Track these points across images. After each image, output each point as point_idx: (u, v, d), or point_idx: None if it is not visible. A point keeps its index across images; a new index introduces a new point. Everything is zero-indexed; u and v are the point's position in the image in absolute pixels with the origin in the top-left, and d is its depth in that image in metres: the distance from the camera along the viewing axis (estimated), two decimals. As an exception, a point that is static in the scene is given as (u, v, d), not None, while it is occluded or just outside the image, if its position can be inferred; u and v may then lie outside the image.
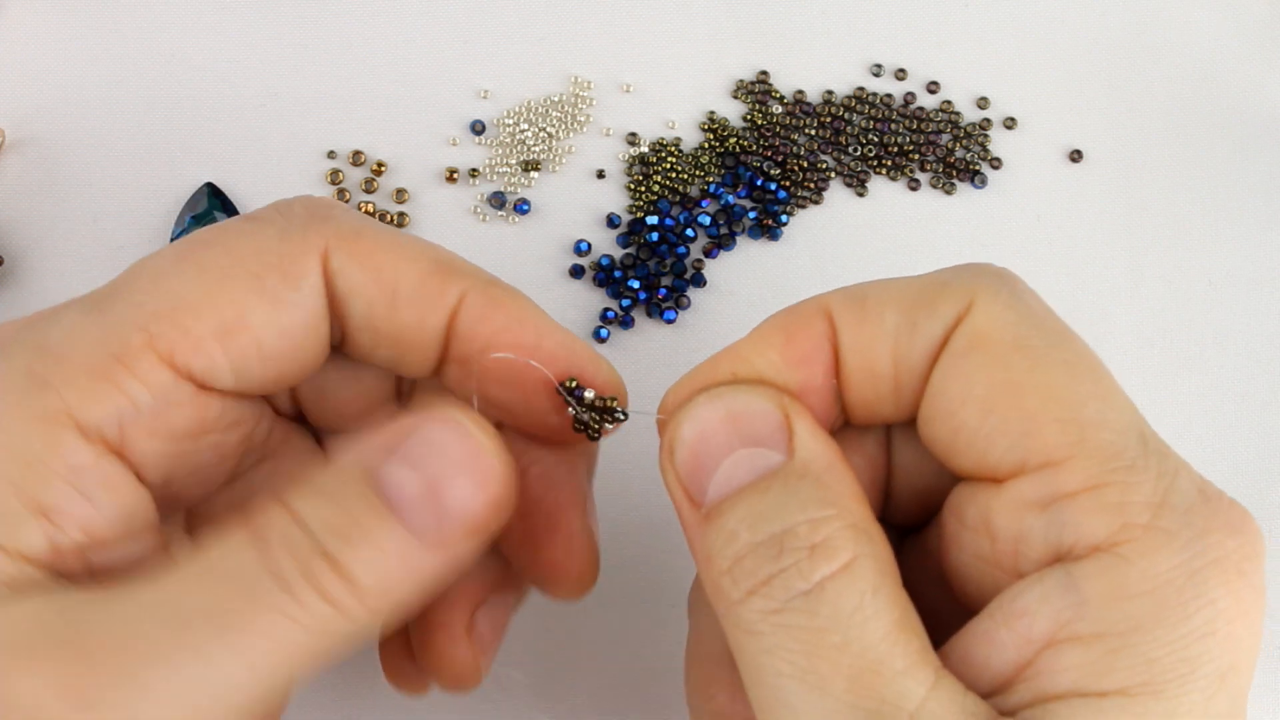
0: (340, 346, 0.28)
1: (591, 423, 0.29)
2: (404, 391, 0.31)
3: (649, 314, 0.44)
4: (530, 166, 0.45)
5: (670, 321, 0.44)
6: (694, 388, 0.28)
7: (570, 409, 0.28)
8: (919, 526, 0.31)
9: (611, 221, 0.45)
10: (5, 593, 0.23)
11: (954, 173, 0.46)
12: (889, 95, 0.47)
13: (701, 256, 0.45)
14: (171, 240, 0.43)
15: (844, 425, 0.30)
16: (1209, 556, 0.24)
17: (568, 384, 0.28)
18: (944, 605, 0.29)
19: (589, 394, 0.28)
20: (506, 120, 0.46)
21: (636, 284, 0.44)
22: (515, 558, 0.30)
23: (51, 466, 0.23)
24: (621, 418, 0.29)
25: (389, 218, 0.44)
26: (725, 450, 0.27)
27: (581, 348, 0.29)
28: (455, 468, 0.25)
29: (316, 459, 0.31)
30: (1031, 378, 0.26)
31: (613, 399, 0.29)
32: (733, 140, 0.46)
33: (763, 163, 0.46)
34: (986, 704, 0.24)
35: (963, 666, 0.25)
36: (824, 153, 0.46)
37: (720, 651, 0.29)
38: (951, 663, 0.25)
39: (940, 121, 0.47)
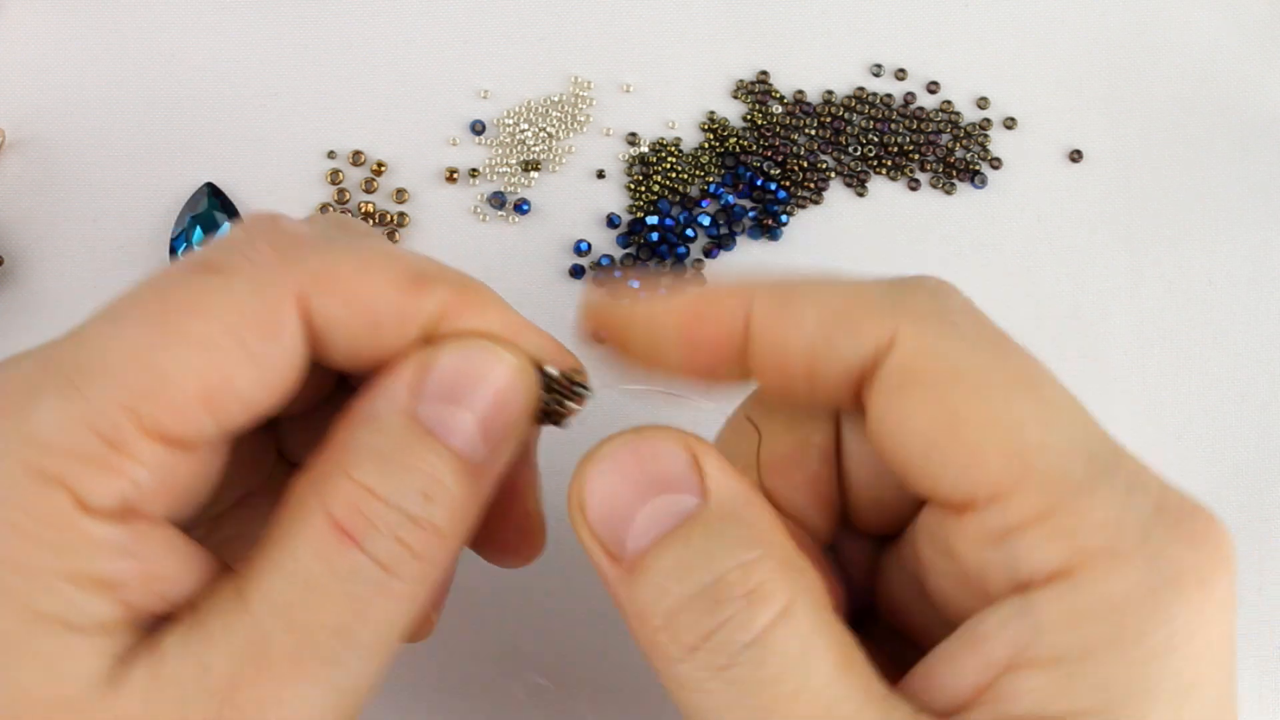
0: (316, 359, 0.27)
1: (552, 405, 0.28)
2: None
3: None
4: (530, 166, 0.45)
5: (670, 321, 0.44)
6: (595, 314, 0.29)
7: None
8: (894, 534, 0.31)
9: (611, 221, 0.45)
10: (121, 668, 0.23)
11: (954, 173, 0.46)
12: (889, 95, 0.47)
13: (701, 256, 0.45)
14: (171, 239, 0.43)
15: (784, 429, 0.30)
16: (1166, 574, 0.24)
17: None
18: (927, 612, 0.29)
19: (552, 371, 0.28)
20: (506, 120, 0.46)
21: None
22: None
23: (82, 547, 0.23)
24: (585, 391, 0.28)
25: (389, 218, 0.44)
26: (638, 498, 0.26)
27: (557, 345, 0.28)
28: (502, 397, 0.26)
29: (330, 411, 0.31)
30: (968, 408, 0.25)
31: (577, 370, 0.28)
32: (733, 140, 0.46)
33: (763, 163, 0.46)
34: None
35: (926, 686, 0.25)
36: (824, 153, 0.46)
37: None
38: (916, 682, 0.25)
39: (940, 121, 0.47)
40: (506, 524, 0.30)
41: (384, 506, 0.25)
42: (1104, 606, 0.23)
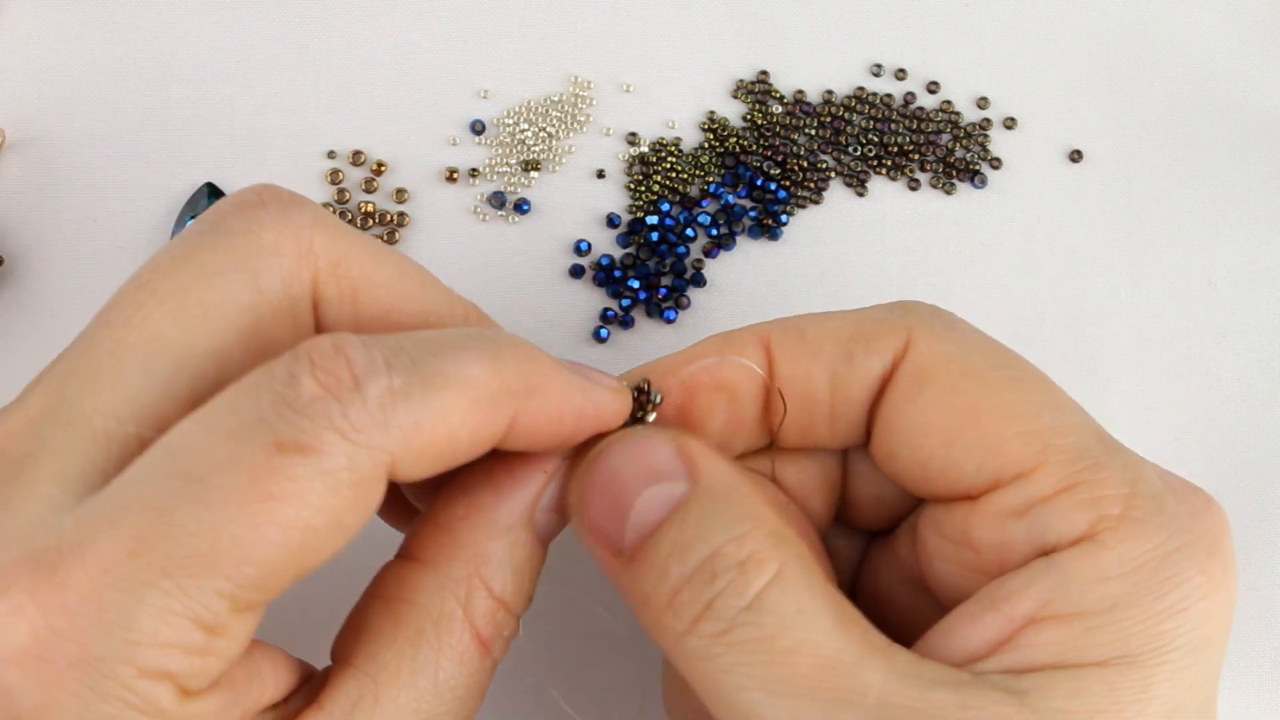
0: None
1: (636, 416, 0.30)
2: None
3: (649, 314, 0.44)
4: (530, 166, 0.45)
5: (670, 321, 0.44)
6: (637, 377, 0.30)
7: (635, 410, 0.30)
8: (885, 530, 0.32)
9: (611, 221, 0.45)
10: None
11: (954, 173, 0.46)
12: (889, 95, 0.47)
13: (701, 256, 0.45)
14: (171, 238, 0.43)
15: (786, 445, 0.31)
16: (1180, 540, 0.26)
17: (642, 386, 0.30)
18: (917, 605, 0.30)
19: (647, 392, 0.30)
20: (506, 120, 0.46)
21: (636, 284, 0.44)
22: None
23: None
24: (657, 400, 0.30)
25: (389, 218, 0.44)
26: (632, 492, 0.27)
27: (610, 398, 0.29)
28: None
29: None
30: (985, 399, 0.28)
31: (645, 380, 0.30)
32: (733, 140, 0.46)
33: (763, 163, 0.46)
34: (949, 667, 0.26)
35: (944, 643, 0.27)
36: (824, 153, 0.46)
37: None
38: (933, 639, 0.27)
39: (940, 121, 0.47)
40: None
41: (508, 616, 0.27)
42: (1126, 566, 0.26)
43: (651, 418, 0.30)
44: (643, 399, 0.30)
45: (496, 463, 0.28)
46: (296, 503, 0.22)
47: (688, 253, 0.45)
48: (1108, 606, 0.25)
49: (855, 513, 0.32)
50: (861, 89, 0.47)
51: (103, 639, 0.22)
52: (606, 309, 0.44)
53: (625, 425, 0.29)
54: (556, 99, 0.46)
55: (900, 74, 0.48)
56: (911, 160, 0.46)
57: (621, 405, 0.29)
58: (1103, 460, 0.27)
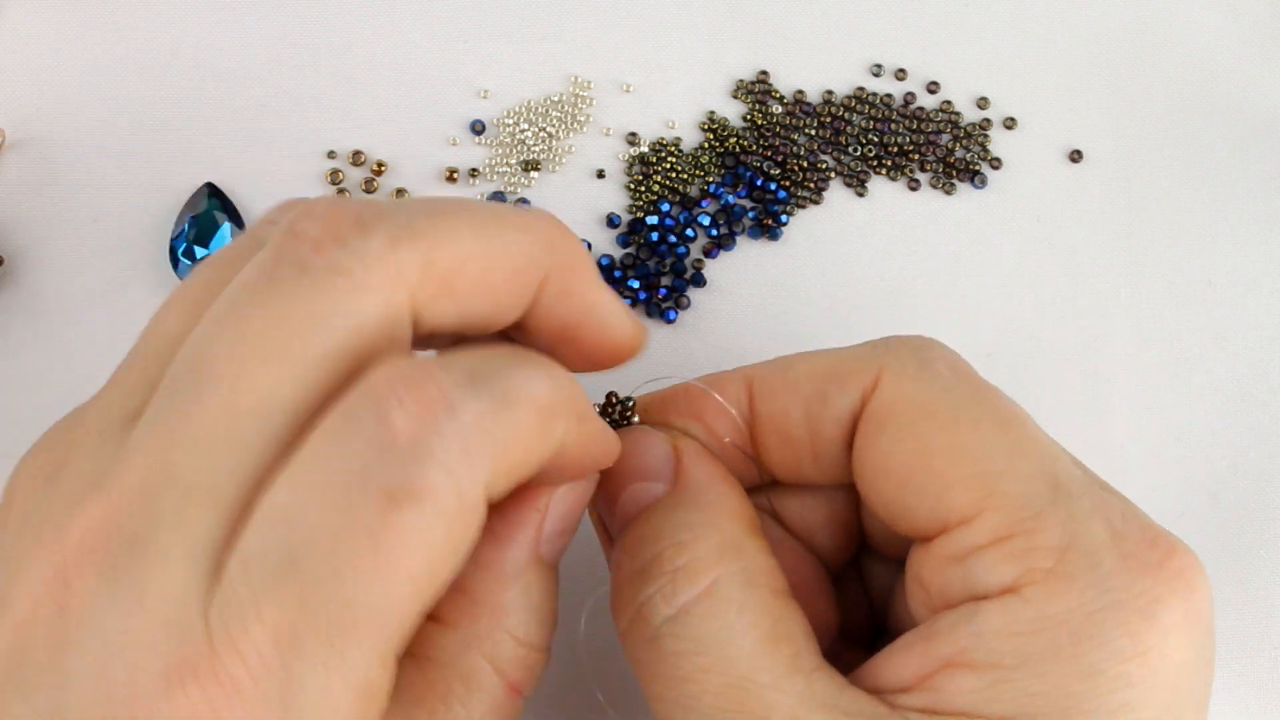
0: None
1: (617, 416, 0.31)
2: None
3: (649, 314, 0.44)
4: (530, 166, 0.45)
5: (670, 321, 0.44)
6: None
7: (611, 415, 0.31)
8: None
9: (611, 221, 0.45)
10: None
11: (954, 173, 0.46)
12: (889, 95, 0.47)
13: (701, 256, 0.45)
14: (171, 239, 0.43)
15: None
16: (1109, 598, 0.25)
17: (619, 398, 0.31)
18: None
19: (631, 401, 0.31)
20: (506, 120, 0.46)
21: (636, 284, 0.44)
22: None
23: None
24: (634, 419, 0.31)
25: (389, 218, 0.44)
26: (622, 484, 0.29)
27: (612, 439, 0.29)
28: (578, 516, 0.28)
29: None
30: (939, 441, 0.27)
31: (629, 400, 0.31)
32: (733, 140, 0.46)
33: (763, 163, 0.46)
34: (871, 698, 0.26)
35: (880, 669, 0.27)
36: (824, 153, 0.46)
37: None
38: (874, 664, 0.27)
39: (940, 121, 0.47)
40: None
41: (535, 653, 0.27)
42: (1043, 623, 0.25)
43: (635, 419, 0.31)
44: (620, 407, 0.31)
45: (490, 515, 0.27)
46: (420, 554, 0.22)
47: (688, 253, 0.45)
48: (1016, 662, 0.25)
49: (876, 543, 0.32)
50: (861, 89, 0.47)
51: None
52: (606, 309, 0.44)
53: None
54: (556, 99, 0.46)
55: (900, 74, 0.48)
56: (911, 160, 0.46)
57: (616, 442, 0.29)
58: (1044, 511, 0.26)
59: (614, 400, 0.31)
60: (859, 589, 0.33)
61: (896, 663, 0.26)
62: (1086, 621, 0.25)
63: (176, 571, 0.21)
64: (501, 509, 0.27)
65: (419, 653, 0.26)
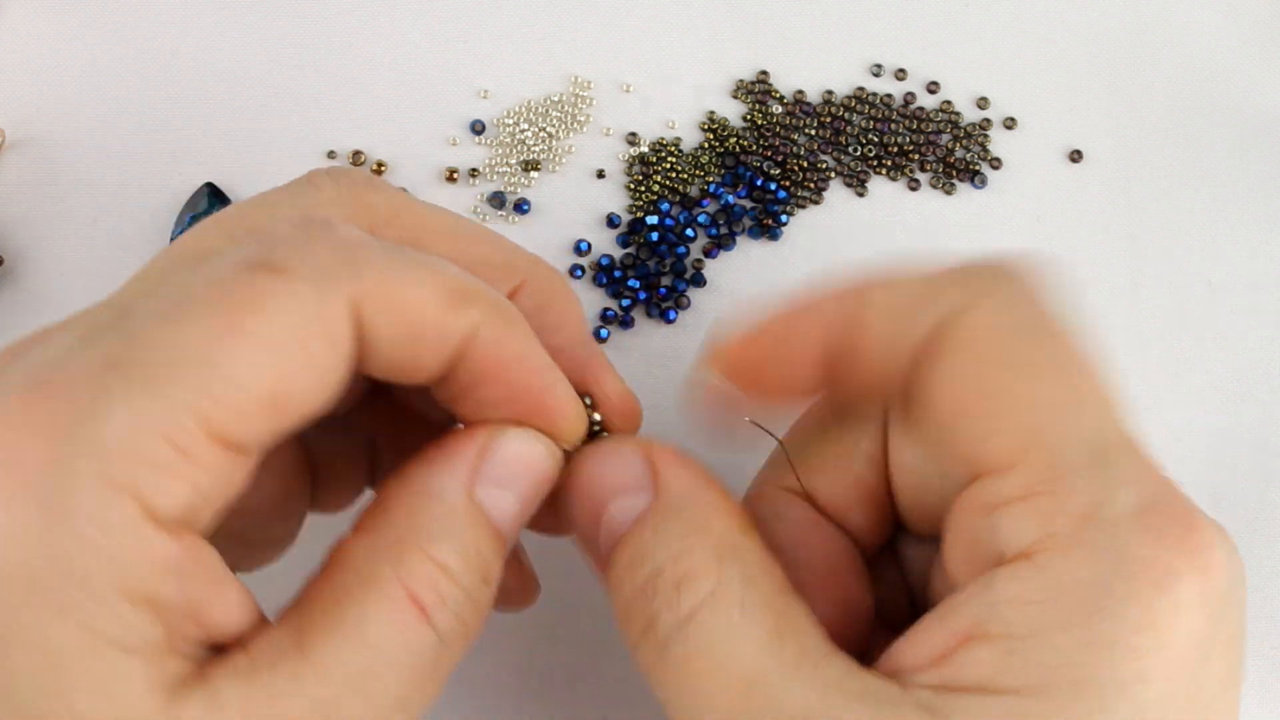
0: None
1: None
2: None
3: (649, 314, 0.44)
4: (530, 166, 0.45)
5: (670, 321, 0.44)
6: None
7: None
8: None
9: (611, 221, 0.45)
10: (173, 702, 0.23)
11: (954, 173, 0.46)
12: (889, 95, 0.47)
13: (701, 256, 0.45)
14: (171, 239, 0.43)
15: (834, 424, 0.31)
16: (1125, 570, 0.24)
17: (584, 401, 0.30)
18: None
19: (596, 418, 0.30)
20: (506, 120, 0.46)
21: (636, 284, 0.44)
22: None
23: (142, 563, 0.23)
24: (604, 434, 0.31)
25: (389, 218, 0.44)
26: (604, 501, 0.28)
27: (566, 389, 0.29)
28: (541, 483, 0.28)
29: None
30: (999, 381, 0.26)
31: (602, 432, 0.31)
32: (733, 140, 0.46)
33: (763, 163, 0.46)
34: (885, 679, 0.25)
35: (901, 651, 0.26)
36: (824, 153, 0.46)
37: None
38: (898, 647, 0.26)
39: (940, 121, 0.47)
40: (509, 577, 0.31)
41: (453, 585, 0.26)
42: (1056, 591, 0.24)
43: (604, 434, 0.30)
44: (589, 420, 0.30)
45: (429, 444, 0.28)
46: (263, 317, 0.23)
47: (688, 253, 0.45)
48: (1028, 632, 0.24)
49: (909, 520, 0.32)
50: (861, 89, 0.47)
51: (69, 444, 0.22)
52: (606, 309, 0.44)
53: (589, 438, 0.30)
54: (556, 99, 0.46)
55: (900, 74, 0.48)
56: (911, 160, 0.46)
57: (572, 406, 0.29)
58: (1078, 473, 0.25)
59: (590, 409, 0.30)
60: (896, 573, 0.33)
61: (917, 641, 0.26)
62: (1099, 591, 0.24)
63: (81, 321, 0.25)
64: (441, 440, 0.28)
65: (329, 563, 0.26)
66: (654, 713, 0.39)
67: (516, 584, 0.32)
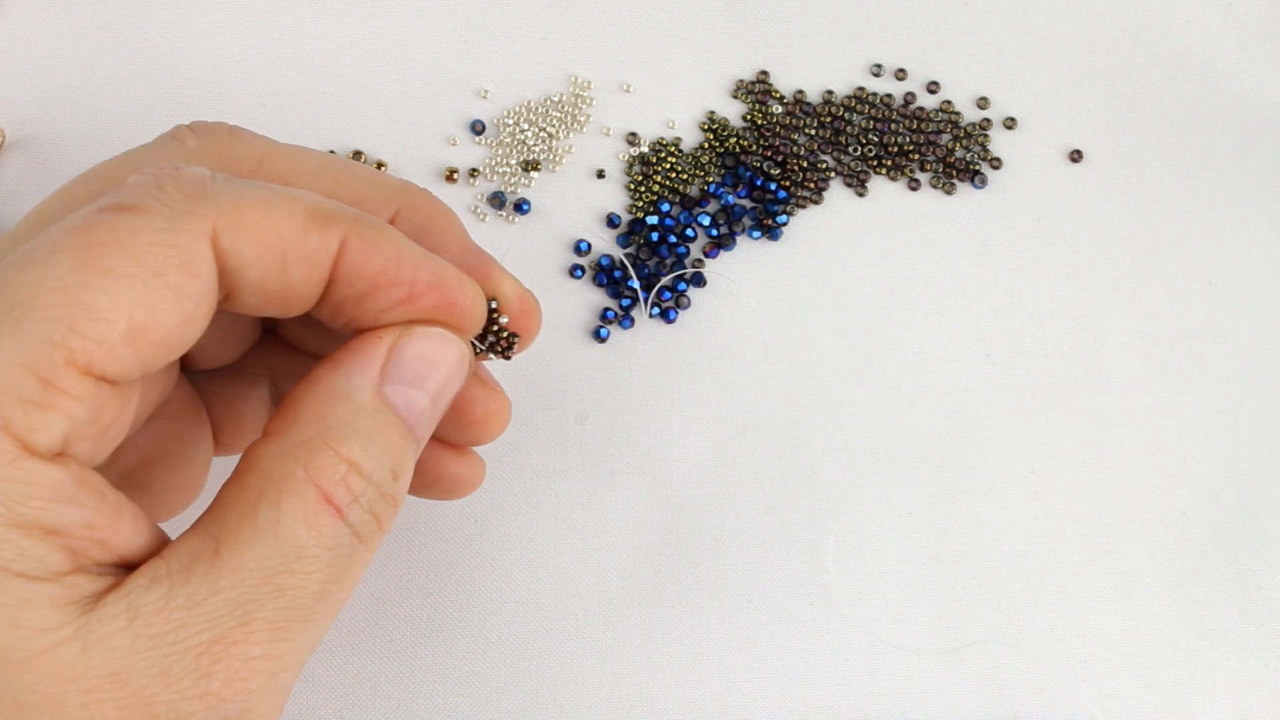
0: (222, 303, 0.28)
1: (494, 347, 0.31)
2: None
3: (649, 314, 0.44)
4: (530, 166, 0.45)
5: (670, 321, 0.44)
6: None
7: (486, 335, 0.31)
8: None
9: (611, 221, 0.45)
10: (88, 621, 0.24)
11: (954, 173, 0.46)
12: (889, 95, 0.47)
13: (701, 256, 0.45)
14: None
15: None
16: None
17: (490, 305, 0.31)
18: None
19: (504, 320, 0.31)
20: (506, 120, 0.46)
21: (636, 284, 0.44)
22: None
23: (28, 493, 0.23)
24: (508, 355, 0.32)
25: (389, 218, 0.44)
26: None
27: (453, 273, 0.29)
28: (450, 379, 0.29)
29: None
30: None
31: (512, 335, 0.32)
32: (733, 140, 0.46)
33: (763, 163, 0.46)
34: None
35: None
36: (824, 153, 0.46)
37: None
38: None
39: (940, 121, 0.47)
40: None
41: (364, 482, 0.27)
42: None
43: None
44: (497, 337, 0.31)
45: (339, 346, 0.29)
46: (119, 251, 0.24)
47: (688, 253, 0.45)
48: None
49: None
50: (861, 89, 0.47)
51: None
52: (606, 309, 0.44)
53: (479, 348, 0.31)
54: (556, 99, 0.46)
55: (900, 74, 0.48)
56: (911, 160, 0.46)
57: (467, 287, 0.29)
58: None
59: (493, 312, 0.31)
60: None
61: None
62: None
63: None
64: (349, 343, 0.28)
65: (240, 469, 0.27)
66: (656, 709, 0.39)
67: (485, 410, 0.32)
